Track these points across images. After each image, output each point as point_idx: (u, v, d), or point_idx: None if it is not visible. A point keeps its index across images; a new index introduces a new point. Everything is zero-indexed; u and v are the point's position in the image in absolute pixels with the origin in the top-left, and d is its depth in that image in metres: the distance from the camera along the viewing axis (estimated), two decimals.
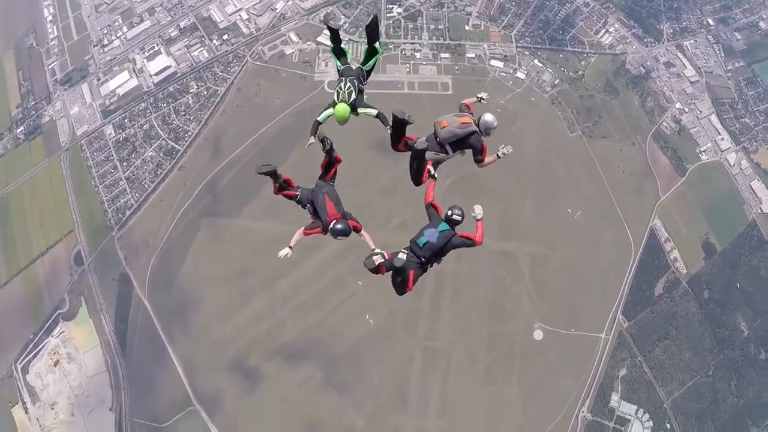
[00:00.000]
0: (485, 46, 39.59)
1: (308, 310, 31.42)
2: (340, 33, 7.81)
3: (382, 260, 6.63)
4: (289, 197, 7.13)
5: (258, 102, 36.88)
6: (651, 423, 31.96)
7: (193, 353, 31.21)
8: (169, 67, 38.83)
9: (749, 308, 34.40)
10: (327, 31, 7.79)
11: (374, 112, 7.24)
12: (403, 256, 6.48)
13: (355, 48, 36.80)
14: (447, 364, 31.28)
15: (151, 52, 39.54)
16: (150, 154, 36.10)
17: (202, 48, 39.33)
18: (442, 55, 38.93)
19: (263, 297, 31.75)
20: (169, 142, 36.22)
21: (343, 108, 7.03)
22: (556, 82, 38.63)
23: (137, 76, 38.75)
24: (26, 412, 31.41)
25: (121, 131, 37.16)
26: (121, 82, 38.60)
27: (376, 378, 30.89)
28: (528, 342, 31.97)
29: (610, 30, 41.18)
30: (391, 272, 6.70)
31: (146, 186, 35.15)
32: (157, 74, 38.55)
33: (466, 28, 40.27)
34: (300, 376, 30.62)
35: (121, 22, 40.96)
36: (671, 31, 41.70)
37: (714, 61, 40.87)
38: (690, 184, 36.70)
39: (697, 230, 35.68)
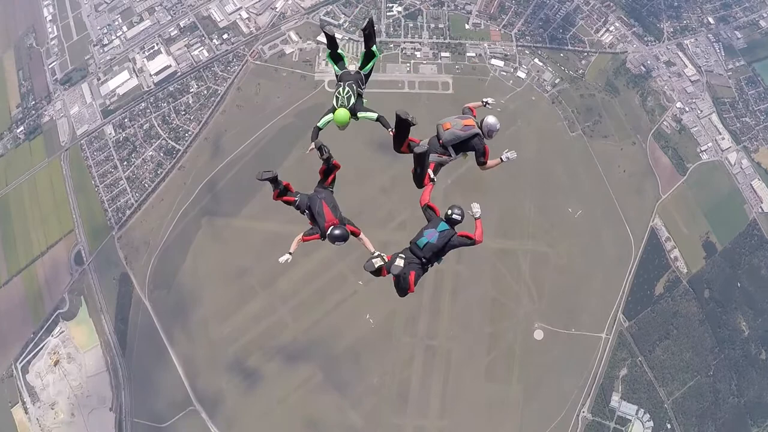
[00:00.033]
0: (485, 45, 39.53)
1: (308, 310, 31.42)
2: (337, 38, 7.82)
3: (382, 263, 6.64)
4: (289, 203, 7.14)
5: (258, 101, 36.85)
6: (651, 423, 31.93)
7: (193, 353, 31.21)
8: (169, 66, 38.82)
9: (750, 308, 34.33)
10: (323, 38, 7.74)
11: (374, 115, 7.22)
12: (400, 262, 6.49)
13: (354, 47, 36.80)
14: (447, 363, 31.28)
15: (151, 51, 39.52)
16: (150, 153, 36.09)
17: (202, 47, 39.31)
18: (443, 54, 38.89)
19: (263, 296, 31.74)
20: (169, 141, 36.21)
21: (342, 113, 7.03)
22: (556, 81, 38.57)
23: (137, 76, 38.74)
24: (26, 412, 31.44)
25: (121, 131, 37.15)
26: (121, 81, 38.60)
27: (376, 377, 30.88)
28: (528, 341, 31.96)
29: (611, 29, 41.11)
30: (392, 274, 6.71)
31: (146, 186, 35.15)
32: (157, 74, 38.54)
33: (467, 27, 40.22)
34: (300, 375, 30.62)
35: (120, 21, 40.95)
36: (672, 29, 41.61)
37: (714, 60, 40.78)
38: (690, 183, 36.64)
39: (697, 229, 35.63)
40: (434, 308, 31.87)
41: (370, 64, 7.66)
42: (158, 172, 35.36)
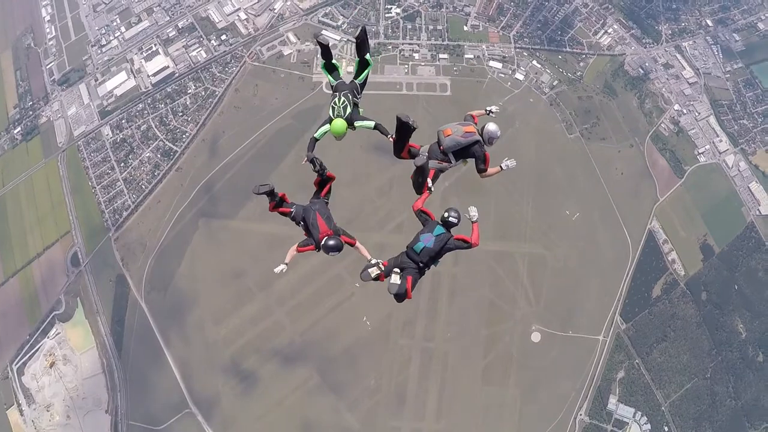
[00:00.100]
0: (484, 47, 39.52)
1: (305, 312, 31.36)
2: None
3: (379, 272, 6.68)
4: (285, 214, 7.24)
5: (256, 103, 36.78)
6: (649, 426, 31.94)
7: (189, 355, 31.12)
8: (167, 67, 38.73)
9: (747, 310, 34.35)
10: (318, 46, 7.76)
11: (371, 124, 7.25)
12: (396, 279, 6.54)
13: (353, 49, 36.72)
14: (444, 366, 31.24)
15: (149, 52, 39.43)
16: (147, 155, 36.00)
17: (200, 48, 39.23)
18: (441, 55, 38.86)
19: (260, 298, 31.68)
20: (167, 143, 36.13)
21: (339, 123, 7.07)
22: (554, 83, 38.57)
23: (135, 77, 38.65)
24: (21, 414, 31.31)
25: (118, 132, 37.07)
26: (119, 82, 38.48)
27: (373, 380, 30.82)
28: (525, 344, 31.93)
29: (609, 31, 41.13)
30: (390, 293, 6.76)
31: (143, 187, 35.05)
32: (155, 75, 38.46)
33: (465, 28, 40.21)
34: (297, 378, 30.55)
35: (119, 22, 40.85)
36: (670, 32, 41.64)
37: (712, 62, 40.83)
38: (688, 185, 36.67)
39: (695, 232, 35.64)
40: (431, 311, 31.83)
41: (365, 73, 7.67)
42: (155, 173, 35.28)
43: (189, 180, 34.73)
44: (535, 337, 32.19)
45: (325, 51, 7.63)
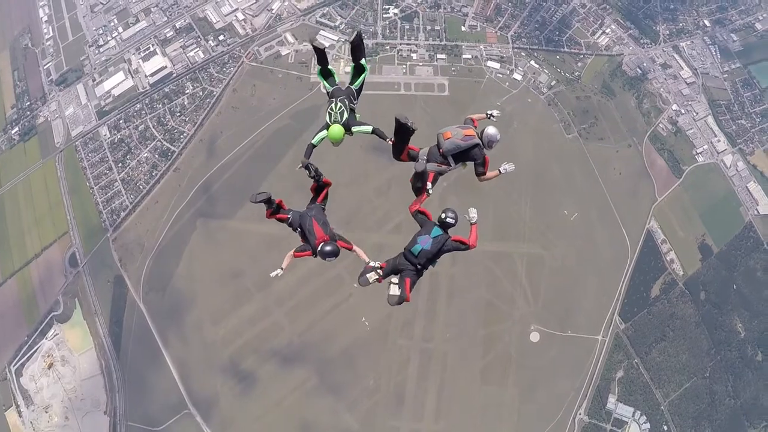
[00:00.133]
0: (482, 47, 39.53)
1: (304, 312, 31.31)
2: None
3: (377, 277, 6.71)
4: (282, 220, 7.28)
5: (254, 103, 36.74)
6: (648, 425, 31.96)
7: (188, 356, 31.04)
8: (164, 67, 38.66)
9: (746, 309, 34.41)
10: (313, 51, 7.78)
11: (369, 128, 7.25)
12: (395, 290, 6.56)
13: (349, 50, 36.73)
14: (443, 366, 31.21)
15: (147, 52, 39.36)
16: (145, 155, 35.94)
17: (197, 48, 39.18)
18: (439, 56, 38.85)
19: (258, 299, 31.61)
20: (165, 143, 36.07)
21: (337, 129, 7.06)
22: (552, 84, 38.61)
23: (133, 77, 38.57)
24: (20, 416, 31.20)
25: (116, 132, 36.98)
26: (117, 82, 38.40)
27: (371, 380, 30.78)
28: (524, 344, 31.92)
29: (607, 31, 41.19)
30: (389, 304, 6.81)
31: (141, 187, 34.97)
32: (152, 75, 38.39)
33: (463, 29, 40.22)
34: (295, 378, 30.50)
35: (116, 22, 40.77)
36: (667, 32, 41.72)
37: (710, 62, 40.91)
38: (686, 185, 36.72)
39: (693, 232, 35.69)
40: (430, 311, 31.81)
41: (360, 79, 7.67)
42: (153, 173, 35.20)
43: (187, 180, 34.68)
44: (534, 337, 32.19)
45: (321, 56, 7.63)
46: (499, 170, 7.28)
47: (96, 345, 32.00)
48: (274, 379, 30.46)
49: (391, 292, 6.60)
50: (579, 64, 39.87)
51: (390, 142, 7.22)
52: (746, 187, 37.19)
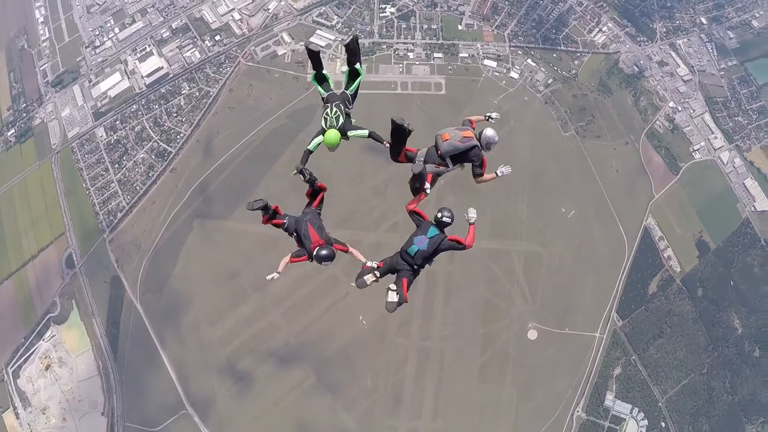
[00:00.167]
0: (478, 45, 39.52)
1: (301, 312, 31.30)
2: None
3: (374, 279, 6.72)
4: (277, 226, 7.33)
5: (250, 103, 36.72)
6: (646, 422, 31.98)
7: (185, 356, 31.03)
8: (161, 68, 38.62)
9: (743, 306, 34.44)
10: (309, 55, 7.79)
11: (365, 132, 7.27)
12: (393, 297, 6.58)
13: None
14: (441, 364, 31.22)
15: (143, 53, 39.33)
16: (142, 156, 35.90)
17: (194, 49, 39.14)
18: (435, 54, 38.86)
19: (255, 299, 31.60)
20: (161, 144, 36.04)
21: (333, 134, 7.10)
22: (549, 82, 38.60)
23: (129, 78, 38.54)
24: (17, 418, 31.19)
25: (112, 133, 36.95)
26: (113, 83, 38.37)
27: (369, 379, 30.78)
28: (522, 341, 31.93)
29: (604, 29, 41.19)
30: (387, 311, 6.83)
31: (138, 188, 34.95)
32: (148, 75, 38.35)
33: (459, 27, 40.21)
34: (293, 378, 30.50)
35: (112, 23, 40.74)
36: (664, 30, 41.73)
37: (707, 59, 40.92)
38: (683, 182, 36.74)
39: (690, 228, 35.72)
40: (427, 310, 31.81)
41: (355, 83, 7.66)
42: (150, 174, 35.17)
43: (183, 181, 34.65)
44: (532, 334, 32.20)
45: (316, 60, 7.63)
46: (496, 173, 7.34)
47: (93, 346, 31.99)
48: (272, 379, 30.46)
49: (389, 299, 6.60)
50: (576, 62, 39.87)
51: (387, 145, 7.22)
52: (743, 183, 37.21)
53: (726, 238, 35.75)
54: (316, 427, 29.82)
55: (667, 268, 34.70)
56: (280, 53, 38.36)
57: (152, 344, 31.21)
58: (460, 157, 7.16)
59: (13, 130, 38.44)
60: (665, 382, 32.72)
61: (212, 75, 37.96)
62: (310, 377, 30.49)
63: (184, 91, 37.61)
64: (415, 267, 6.85)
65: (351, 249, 7.27)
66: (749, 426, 32.47)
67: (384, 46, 38.90)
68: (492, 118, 7.60)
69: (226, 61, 38.45)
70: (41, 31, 41.59)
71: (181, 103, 37.23)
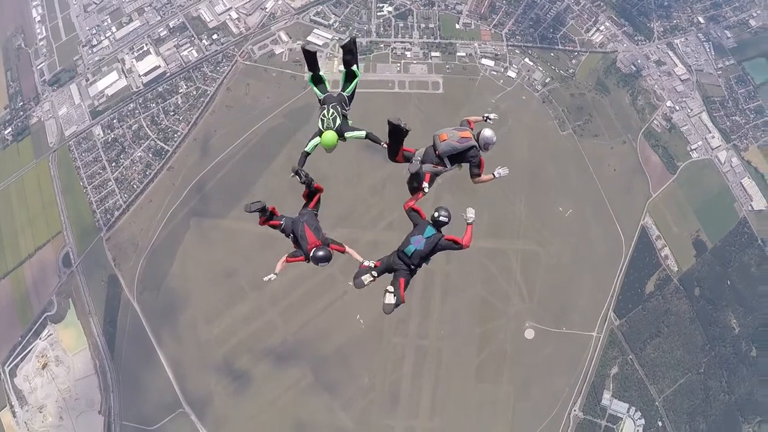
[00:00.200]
0: (476, 44, 39.53)
1: (298, 311, 31.28)
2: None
3: (372, 279, 6.74)
4: (274, 227, 7.34)
5: (247, 102, 36.69)
6: (643, 421, 32.00)
7: (182, 355, 31.01)
8: (158, 67, 38.58)
9: (740, 305, 34.48)
10: (306, 55, 7.81)
11: (362, 133, 7.27)
12: (391, 299, 6.60)
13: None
14: (438, 363, 31.22)
15: (140, 52, 39.28)
16: (139, 154, 35.87)
17: (191, 48, 39.10)
18: (433, 53, 38.85)
19: (253, 298, 31.58)
20: (158, 142, 36.00)
21: (330, 135, 7.09)
22: (546, 81, 38.61)
23: (126, 77, 38.49)
24: (14, 416, 31.14)
25: (109, 132, 36.91)
26: (110, 82, 38.32)
27: (366, 378, 30.78)
28: (519, 341, 31.95)
29: (601, 28, 41.21)
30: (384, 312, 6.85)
31: (135, 187, 34.92)
32: (146, 74, 38.31)
33: (457, 26, 40.20)
34: (290, 377, 30.48)
35: (110, 22, 40.66)
36: (662, 29, 41.76)
37: (704, 59, 40.96)
38: (681, 182, 36.77)
39: (688, 228, 35.75)
40: (425, 309, 31.81)
41: (352, 85, 7.64)
42: (147, 173, 35.14)
43: (181, 179, 34.62)
44: (529, 333, 32.21)
45: (312, 61, 7.61)
46: (494, 174, 7.33)
47: (90, 345, 31.95)
48: (269, 378, 30.45)
49: (386, 301, 6.63)
50: (573, 61, 39.88)
51: (384, 146, 7.23)
52: (740, 182, 37.26)
53: (723, 237, 35.79)
54: (313, 425, 29.82)
55: (664, 268, 34.74)
56: (277, 52, 38.33)
57: (149, 343, 31.19)
58: (458, 157, 7.17)
59: (10, 129, 38.39)
60: (662, 381, 32.75)
61: (209, 74, 37.93)
62: (308, 376, 30.48)
63: (181, 90, 37.58)
64: (412, 267, 6.86)
65: (348, 249, 7.28)
66: (746, 425, 32.52)
67: (381, 45, 38.89)
68: (490, 119, 7.61)
69: (224, 60, 38.42)
70: (38, 30, 41.52)
71: (179, 102, 37.20)
